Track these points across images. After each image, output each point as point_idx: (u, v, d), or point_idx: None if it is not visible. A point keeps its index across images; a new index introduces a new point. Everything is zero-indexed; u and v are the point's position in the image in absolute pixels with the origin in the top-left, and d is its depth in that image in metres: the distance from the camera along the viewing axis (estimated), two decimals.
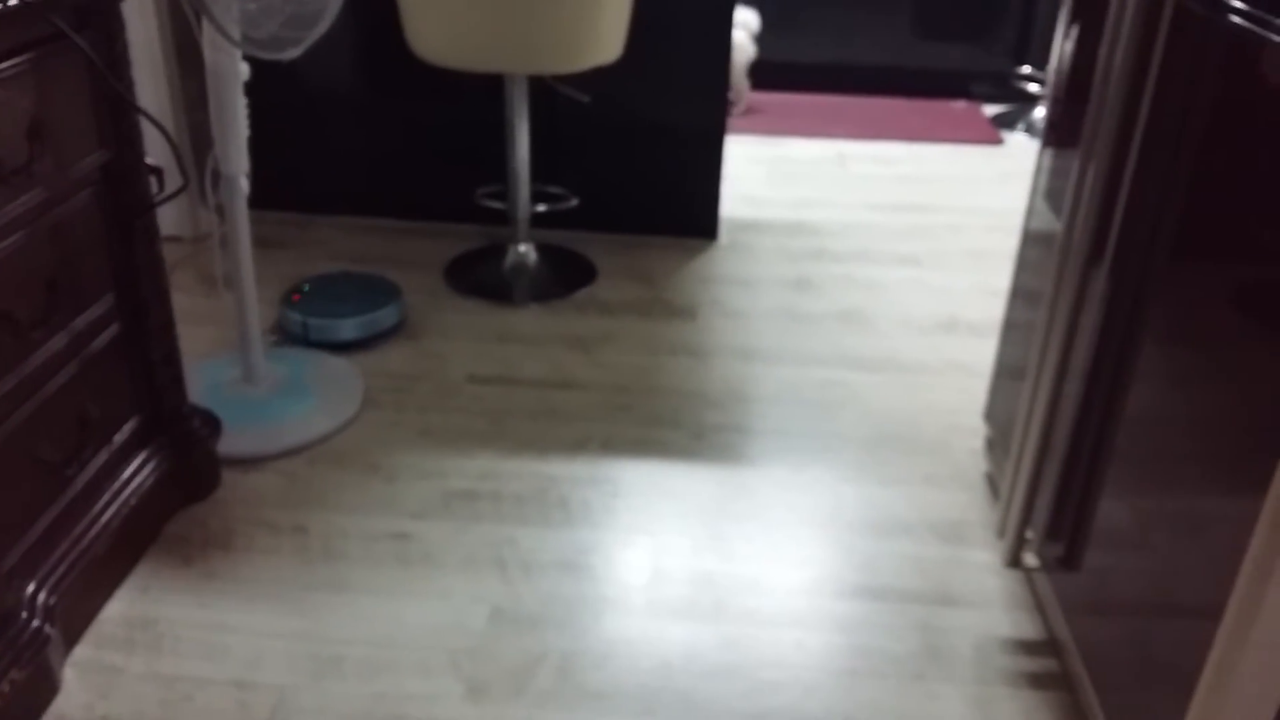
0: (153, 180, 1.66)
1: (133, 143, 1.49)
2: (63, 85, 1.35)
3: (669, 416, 1.99)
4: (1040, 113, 3.64)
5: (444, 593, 1.54)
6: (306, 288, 2.26)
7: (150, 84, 2.42)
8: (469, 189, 2.65)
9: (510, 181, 2.41)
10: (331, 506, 1.72)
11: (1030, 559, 1.49)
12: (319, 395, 1.97)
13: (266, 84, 2.63)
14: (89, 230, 1.46)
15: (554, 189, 2.62)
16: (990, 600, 1.55)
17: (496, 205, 2.52)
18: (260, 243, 2.62)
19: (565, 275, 2.50)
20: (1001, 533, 1.53)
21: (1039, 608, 1.54)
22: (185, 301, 2.31)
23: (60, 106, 1.35)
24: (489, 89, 2.43)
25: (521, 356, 2.18)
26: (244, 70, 1.70)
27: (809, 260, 2.63)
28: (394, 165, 2.70)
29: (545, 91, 2.43)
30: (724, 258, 2.64)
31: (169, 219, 2.58)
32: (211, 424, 1.76)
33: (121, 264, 1.52)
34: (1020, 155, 3.44)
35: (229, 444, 1.82)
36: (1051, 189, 1.57)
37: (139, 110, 1.43)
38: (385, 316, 2.21)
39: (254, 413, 1.91)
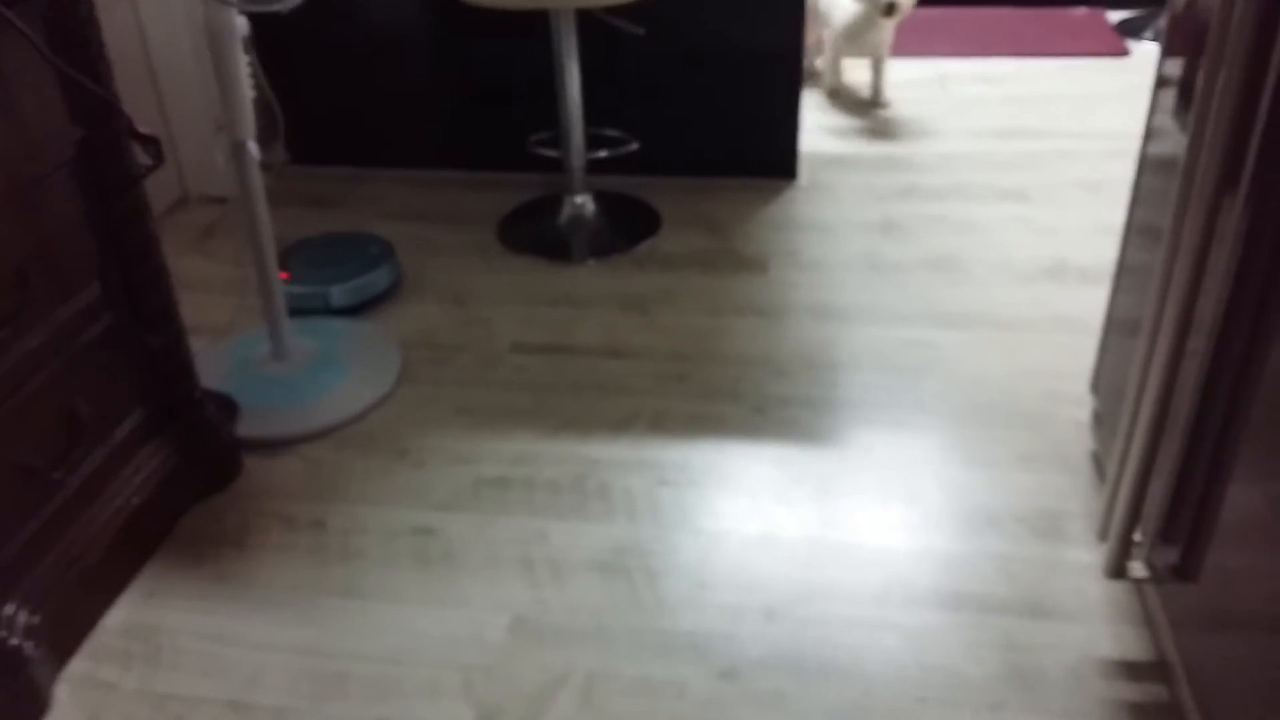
0: (148, 151, 1.53)
1: (110, 116, 1.35)
2: (16, 56, 1.22)
3: (728, 388, 1.79)
4: None
5: (462, 599, 1.40)
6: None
7: (167, 39, 2.30)
8: (523, 136, 2.46)
9: (563, 127, 2.21)
10: (354, 498, 1.59)
11: (1138, 568, 1.25)
12: (353, 370, 1.84)
13: (311, 34, 2.50)
14: (67, 213, 1.34)
15: (613, 132, 2.41)
16: (1089, 612, 1.32)
17: (550, 153, 2.33)
18: (311, 201, 2.51)
19: (626, 227, 2.30)
20: (1104, 534, 1.29)
21: (1147, 622, 1.30)
22: (222, 271, 2.21)
23: (17, 78, 1.22)
24: (538, 26, 2.23)
25: (573, 320, 2.00)
26: (242, 25, 1.55)
27: (899, 199, 2.36)
28: (445, 114, 2.53)
29: (596, 26, 2.21)
30: (803, 200, 2.39)
31: (212, 178, 2.48)
32: (228, 409, 1.65)
33: (108, 248, 1.40)
34: (1148, 68, 3.04)
35: (255, 426, 1.71)
36: (1177, 103, 1.30)
37: (80, 80, 1.28)
38: (378, 280, 2.07)
39: (282, 392, 1.79)
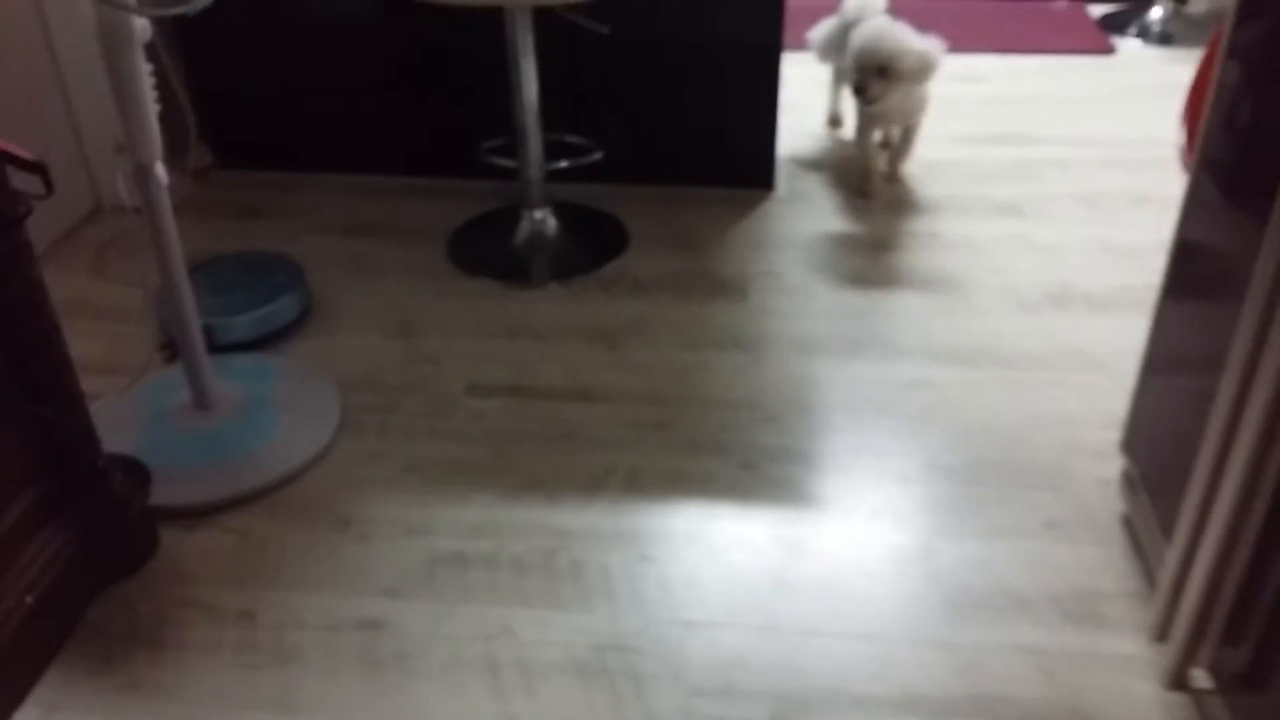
0: (38, 180, 1.30)
1: None
2: None
3: (712, 438, 1.60)
4: (1158, 12, 3.08)
5: (418, 712, 1.20)
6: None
7: (73, 38, 2.04)
8: (475, 140, 2.24)
9: (518, 135, 1.99)
10: (289, 581, 1.38)
11: (1200, 676, 1.09)
12: (285, 419, 1.62)
13: (240, 22, 2.25)
14: None
15: (574, 139, 2.20)
16: (1137, 718, 1.16)
17: (505, 163, 2.11)
18: (238, 211, 2.26)
19: (590, 245, 2.10)
20: (1160, 635, 1.13)
21: None
22: (134, 297, 1.96)
23: None
24: (492, 20, 2.00)
25: (534, 356, 1.80)
26: (143, 28, 1.31)
27: (884, 212, 2.19)
28: (389, 114, 2.30)
29: (556, 23, 1.99)
30: (781, 213, 2.21)
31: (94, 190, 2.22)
32: (138, 477, 1.42)
33: None
34: (1136, 66, 2.90)
35: (173, 492, 1.49)
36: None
37: None
38: (283, 310, 1.86)
39: (204, 449, 1.57)
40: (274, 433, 1.60)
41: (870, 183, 2.24)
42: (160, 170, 1.40)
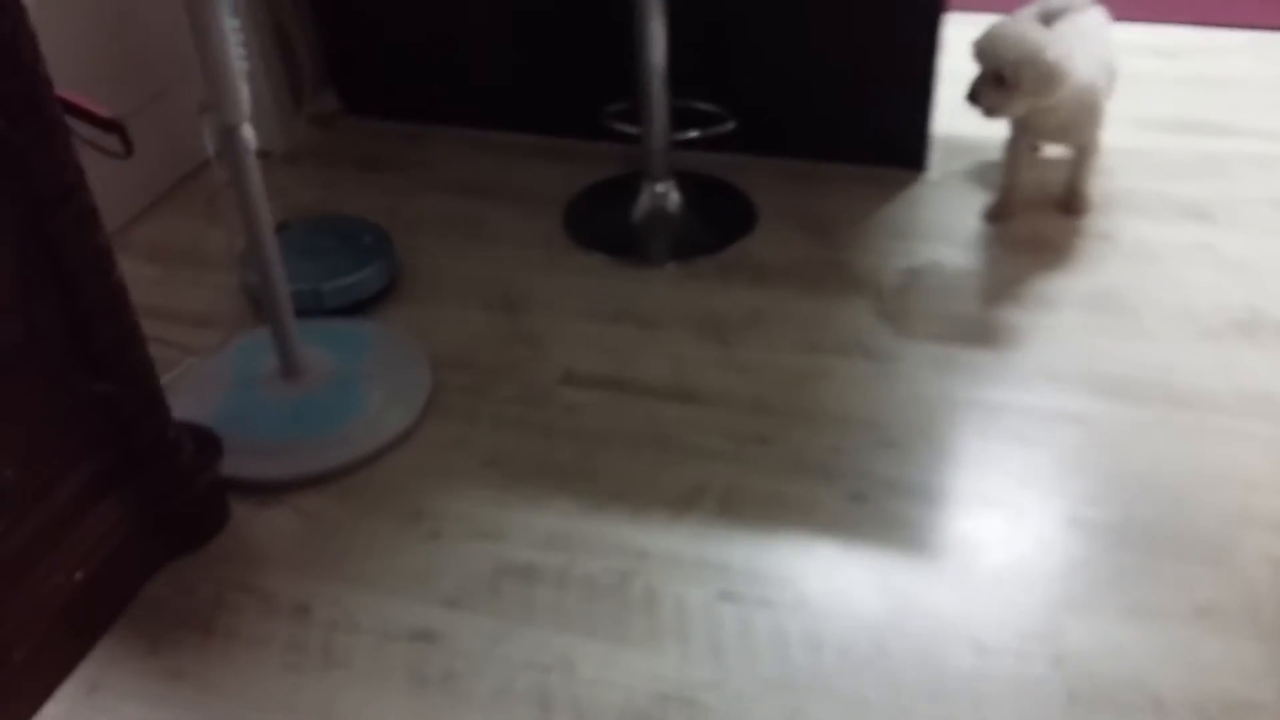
0: (116, 141, 1.23)
1: (36, 102, 1.04)
2: None
3: (821, 459, 1.44)
4: None
5: None
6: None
7: None
8: (601, 101, 2.10)
9: (642, 101, 1.84)
10: (349, 575, 1.31)
11: None
12: (374, 396, 1.54)
13: None
14: None
15: (704, 106, 2.03)
16: None
17: (628, 130, 1.96)
18: (361, 162, 2.20)
19: (714, 222, 1.94)
20: None
21: None
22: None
23: None
24: None
25: (639, 344, 1.66)
26: None
27: (1050, 206, 1.94)
28: (519, 69, 2.18)
29: None
30: (931, 199, 1.99)
31: (254, 129, 2.18)
32: (210, 448, 1.37)
33: (37, 275, 1.11)
34: None
35: (248, 464, 1.44)
36: None
37: None
38: (371, 278, 1.76)
39: (287, 420, 1.50)
40: (360, 409, 1.52)
41: (1002, 205, 1.91)
42: (248, 132, 1.32)
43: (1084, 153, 1.86)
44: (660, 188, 1.93)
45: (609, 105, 2.06)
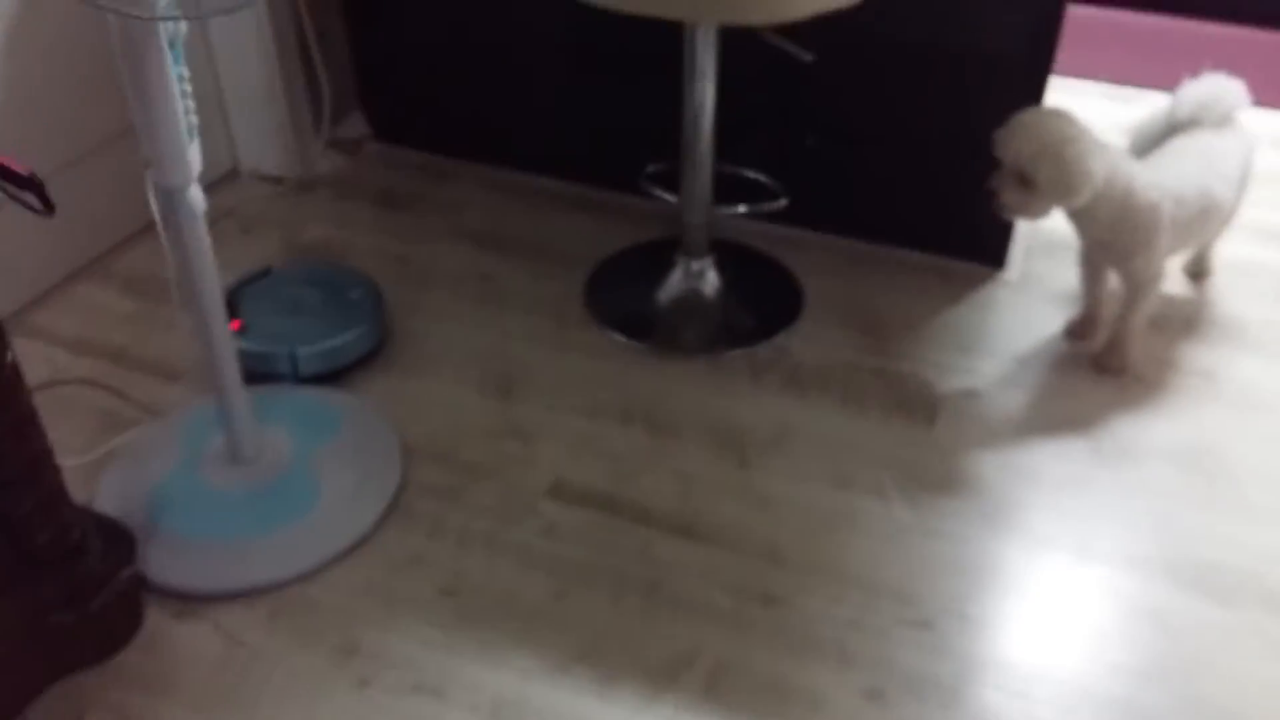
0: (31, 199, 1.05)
1: None
2: None
3: (835, 636, 1.20)
4: None
5: None
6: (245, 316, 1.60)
7: None
8: (642, 158, 1.87)
9: (684, 169, 1.61)
10: None
11: None
12: (328, 492, 1.34)
13: None
14: None
15: (752, 174, 1.79)
16: None
17: (666, 197, 1.74)
18: (379, 198, 2.00)
19: (752, 310, 1.70)
20: None
21: None
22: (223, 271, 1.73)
23: None
24: (678, 29, 1.62)
25: (645, 455, 1.44)
26: (179, 32, 1.02)
27: (1147, 329, 1.67)
28: (561, 111, 1.97)
29: (749, 44, 1.58)
30: (1007, 304, 1.73)
31: (269, 152, 2.01)
32: (123, 549, 1.18)
33: None
34: None
35: (172, 566, 1.25)
36: None
37: None
38: (356, 343, 1.56)
39: (225, 516, 1.31)
40: (310, 507, 1.32)
41: (1083, 322, 1.64)
42: (195, 196, 1.12)
43: (1131, 288, 1.53)
44: (696, 265, 1.71)
45: (650, 165, 1.84)
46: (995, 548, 1.31)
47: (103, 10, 0.92)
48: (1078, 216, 1.46)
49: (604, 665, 1.16)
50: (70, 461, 1.38)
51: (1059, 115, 1.40)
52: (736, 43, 1.57)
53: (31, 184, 1.04)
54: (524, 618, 1.22)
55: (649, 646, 1.19)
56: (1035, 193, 1.39)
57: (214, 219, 1.96)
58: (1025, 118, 1.41)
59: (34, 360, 1.59)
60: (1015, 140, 1.40)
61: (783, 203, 1.75)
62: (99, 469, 1.38)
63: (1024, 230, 1.85)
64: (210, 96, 1.96)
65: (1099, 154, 1.38)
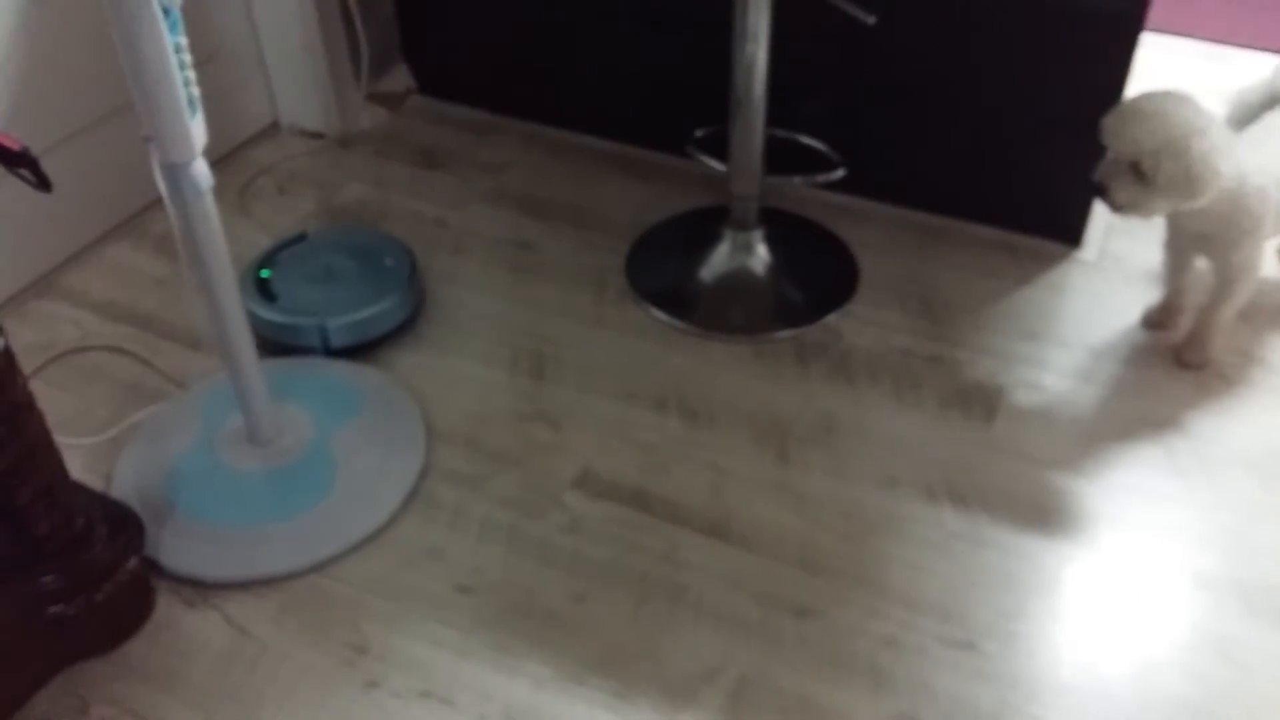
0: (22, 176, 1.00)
1: None
2: None
3: (870, 653, 1.12)
4: None
5: None
6: (265, 273, 1.53)
7: None
8: (690, 121, 1.77)
9: (735, 139, 1.51)
10: None
11: None
12: (347, 479, 1.29)
13: None
14: None
15: (808, 140, 1.67)
16: None
17: (714, 165, 1.63)
18: (420, 156, 1.93)
19: (803, 286, 1.60)
20: None
21: None
22: (262, 239, 1.68)
23: None
24: None
25: (679, 444, 1.36)
26: (173, 1, 0.95)
27: (1239, 323, 1.53)
28: (614, 68, 1.86)
29: (806, 4, 1.46)
30: (1082, 287, 1.60)
31: (309, 107, 1.94)
32: (130, 536, 1.15)
33: None
34: None
35: (184, 551, 1.22)
36: None
37: None
38: (389, 313, 1.50)
39: (243, 498, 1.27)
40: (327, 493, 1.28)
41: (1163, 310, 1.50)
42: (199, 171, 1.06)
43: (1225, 281, 1.38)
44: (743, 239, 1.61)
45: (698, 129, 1.73)
46: (1049, 562, 1.21)
47: None
48: (1185, 211, 1.30)
49: (621, 676, 1.10)
50: (88, 440, 1.36)
51: (1184, 102, 1.23)
52: (791, 0, 1.45)
53: (24, 160, 0.99)
54: (540, 621, 1.16)
55: (670, 658, 1.12)
56: (1153, 190, 1.24)
57: (251, 176, 1.93)
58: (1143, 104, 1.24)
59: (63, 324, 1.56)
60: (1131, 130, 1.23)
61: (840, 173, 1.64)
62: (119, 445, 1.35)
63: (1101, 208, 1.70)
64: (249, 49, 1.90)
65: (1226, 147, 1.22)
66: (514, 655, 1.13)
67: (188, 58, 1.00)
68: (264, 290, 1.50)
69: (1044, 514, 1.26)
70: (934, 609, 1.16)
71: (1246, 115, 1.47)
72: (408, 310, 1.53)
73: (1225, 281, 1.38)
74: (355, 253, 1.58)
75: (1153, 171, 1.22)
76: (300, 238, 1.61)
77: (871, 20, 1.37)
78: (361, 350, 1.50)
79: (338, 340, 1.48)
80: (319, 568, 1.22)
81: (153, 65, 0.97)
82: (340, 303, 1.49)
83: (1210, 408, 1.39)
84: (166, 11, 0.96)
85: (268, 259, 1.56)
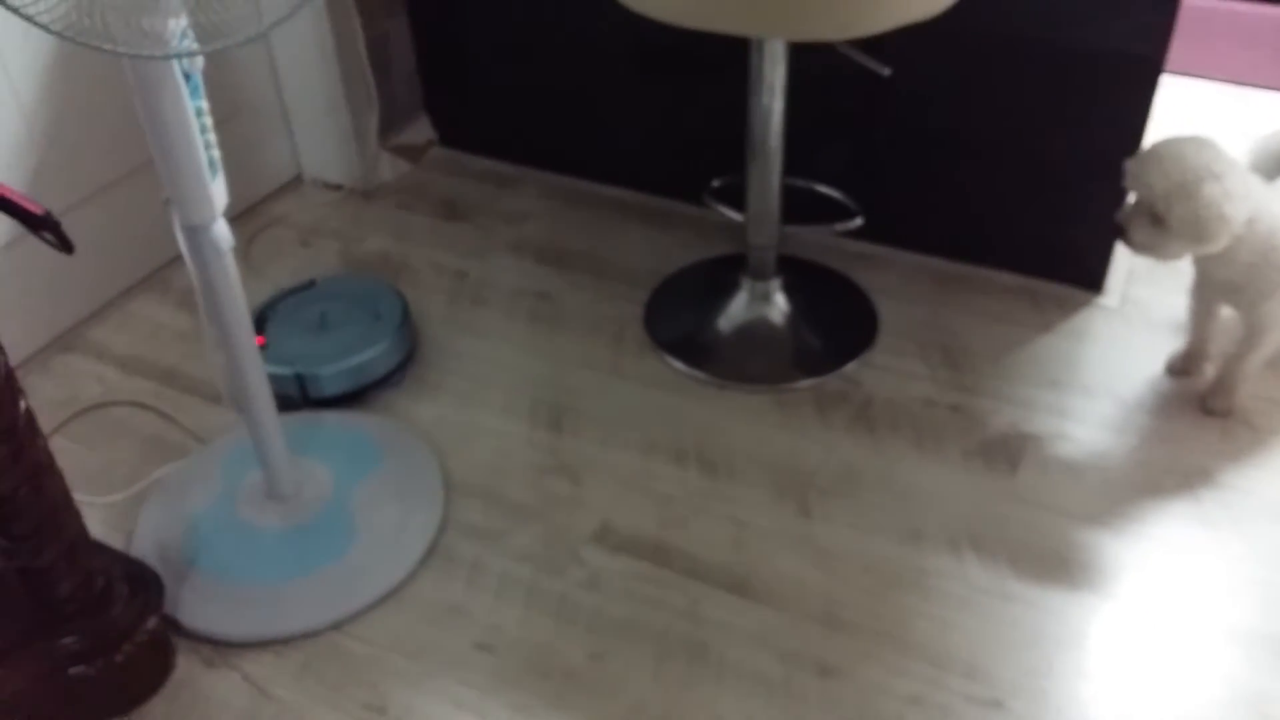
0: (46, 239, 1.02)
1: None
2: None
3: (896, 716, 1.10)
4: None
5: None
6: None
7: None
8: (708, 170, 1.77)
9: (751, 189, 1.51)
10: None
11: None
12: (366, 534, 1.29)
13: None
14: None
15: (825, 190, 1.68)
16: None
17: (731, 215, 1.63)
18: (441, 208, 1.95)
19: (824, 334, 1.60)
20: None
21: None
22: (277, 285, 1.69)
23: None
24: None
25: (699, 497, 1.36)
26: (195, 65, 0.96)
27: (1268, 371, 1.51)
28: (633, 119, 1.88)
29: (822, 58, 1.47)
30: (1104, 334, 1.59)
31: (332, 160, 1.97)
32: (150, 596, 1.15)
33: None
34: None
35: (204, 610, 1.21)
36: None
37: None
38: (378, 360, 1.50)
39: (262, 555, 1.27)
40: (347, 549, 1.27)
41: (1187, 358, 1.49)
42: (220, 232, 1.07)
43: (1254, 330, 1.37)
44: (761, 288, 1.61)
45: (715, 179, 1.74)
46: (1076, 616, 1.19)
47: (116, 57, 0.87)
48: (1209, 258, 1.30)
49: None
50: (110, 497, 1.36)
51: (1202, 146, 1.24)
52: (807, 51, 1.45)
53: (46, 223, 1.00)
54: (558, 680, 1.15)
55: (692, 719, 1.11)
56: (1168, 233, 1.24)
57: (275, 229, 1.95)
58: (1161, 148, 1.25)
59: (86, 379, 1.58)
60: (1148, 173, 1.24)
61: (858, 222, 1.64)
62: (140, 500, 1.36)
63: (1123, 252, 1.69)
64: (274, 104, 1.93)
65: (1242, 194, 1.22)
66: (533, 716, 1.12)
67: (209, 120, 1.01)
68: None
69: (1070, 567, 1.24)
70: (960, 666, 1.14)
71: (1270, 163, 1.45)
72: (394, 360, 1.52)
73: (1254, 331, 1.36)
74: (352, 301, 1.58)
75: (1165, 214, 1.22)
76: (309, 284, 1.61)
77: (887, 72, 1.38)
78: (346, 399, 1.49)
79: (315, 391, 1.48)
80: (338, 625, 1.21)
81: (174, 130, 0.99)
82: (321, 352, 1.49)
83: (1237, 457, 1.37)
84: (188, 76, 0.98)
85: (269, 306, 1.56)
